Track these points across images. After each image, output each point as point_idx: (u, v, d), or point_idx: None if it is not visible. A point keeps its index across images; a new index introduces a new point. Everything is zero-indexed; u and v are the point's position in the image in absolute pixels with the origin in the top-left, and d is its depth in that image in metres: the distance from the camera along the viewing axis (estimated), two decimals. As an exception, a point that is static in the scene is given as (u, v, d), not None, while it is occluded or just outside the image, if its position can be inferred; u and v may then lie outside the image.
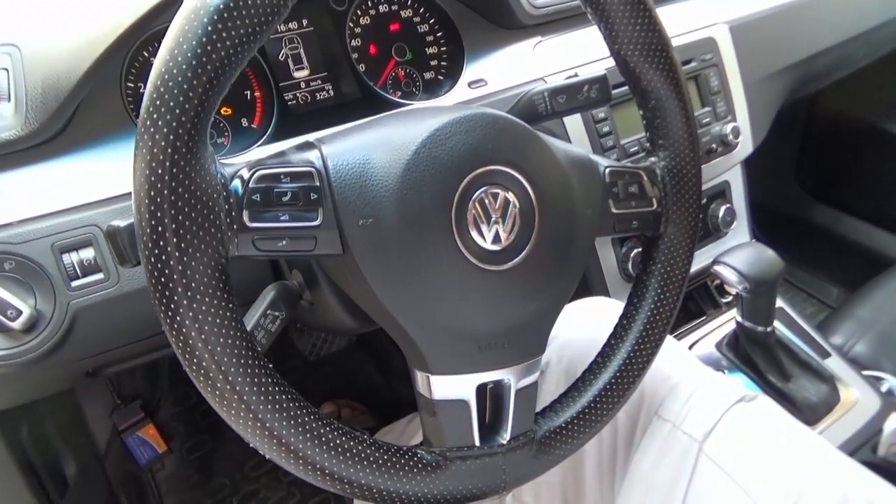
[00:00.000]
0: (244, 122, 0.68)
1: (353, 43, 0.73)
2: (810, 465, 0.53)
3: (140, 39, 0.62)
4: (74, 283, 0.55)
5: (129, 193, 0.57)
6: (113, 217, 0.56)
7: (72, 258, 0.55)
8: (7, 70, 0.56)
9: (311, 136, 0.46)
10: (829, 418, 0.79)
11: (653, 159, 0.54)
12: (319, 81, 0.71)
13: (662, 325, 0.54)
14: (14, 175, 0.56)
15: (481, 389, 0.46)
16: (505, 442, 0.46)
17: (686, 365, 0.63)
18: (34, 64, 0.55)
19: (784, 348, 0.82)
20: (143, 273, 0.56)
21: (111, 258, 0.56)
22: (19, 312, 0.52)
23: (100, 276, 0.56)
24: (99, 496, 1.05)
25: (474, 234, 0.43)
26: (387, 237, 0.42)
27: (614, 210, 0.52)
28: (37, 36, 0.57)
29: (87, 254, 0.55)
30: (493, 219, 0.44)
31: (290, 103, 0.69)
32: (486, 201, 0.44)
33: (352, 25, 0.73)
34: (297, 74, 0.70)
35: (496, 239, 0.44)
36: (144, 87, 0.63)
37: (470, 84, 0.74)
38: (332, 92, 0.72)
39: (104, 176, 0.58)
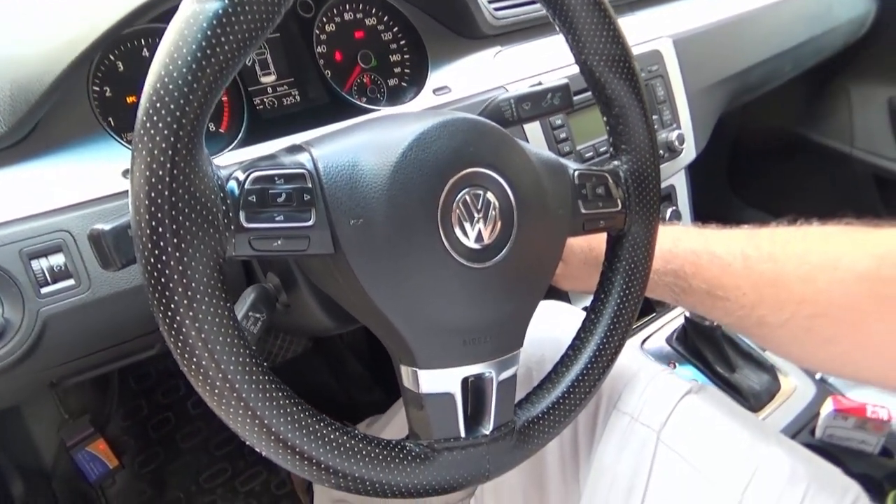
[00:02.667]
0: (211, 127, 0.68)
1: (320, 49, 0.74)
2: (759, 448, 0.57)
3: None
4: (44, 290, 0.54)
5: (100, 199, 0.57)
6: (83, 222, 0.55)
7: (41, 264, 0.54)
8: (-29, 72, 0.54)
9: (297, 140, 0.47)
10: (771, 405, 0.85)
11: (616, 163, 0.58)
12: (286, 87, 0.72)
13: (629, 316, 0.57)
14: (-20, 180, 0.54)
15: (465, 382, 0.48)
16: (488, 433, 0.48)
17: (638, 360, 0.67)
18: (2, 65, 0.54)
19: (729, 341, 0.87)
20: (117, 278, 0.56)
21: (82, 264, 0.55)
22: (-13, 321, 0.50)
23: (70, 282, 0.55)
24: (47, 516, 1.01)
25: (458, 233, 0.45)
26: (377, 237, 0.43)
27: (583, 210, 0.54)
28: (3, 39, 0.56)
29: (58, 259, 0.54)
30: (475, 218, 0.46)
31: (258, 108, 0.70)
32: (469, 201, 0.46)
33: (318, 32, 0.74)
34: (263, 80, 0.71)
35: (479, 238, 0.46)
36: (111, 91, 0.63)
37: (434, 91, 0.77)
38: (298, 97, 0.73)
39: (73, 180, 0.57)
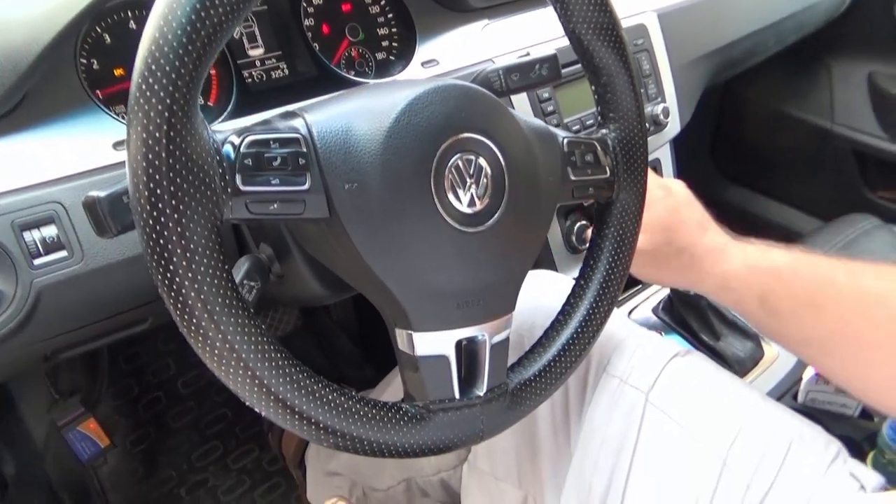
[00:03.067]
0: (200, 101, 0.68)
1: (307, 22, 0.74)
2: (744, 408, 0.59)
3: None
4: (37, 262, 0.54)
5: (91, 170, 0.57)
6: (75, 193, 0.55)
7: (33, 236, 0.54)
8: (-45, 41, 0.54)
9: (291, 106, 0.47)
10: (755, 371, 0.87)
11: (604, 131, 0.58)
12: (274, 60, 0.72)
13: (618, 282, 0.58)
14: (-31, 152, 0.54)
15: (459, 345, 0.49)
16: (482, 394, 0.49)
17: (626, 326, 0.68)
18: (-12, 35, 0.54)
19: (714, 310, 0.89)
20: (110, 249, 0.57)
21: (74, 235, 0.55)
22: (-20, 293, 0.51)
23: (63, 253, 0.55)
24: (40, 496, 1.01)
25: (451, 197, 0.46)
26: (372, 201, 0.44)
27: (573, 177, 0.55)
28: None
29: (50, 231, 0.54)
30: (468, 183, 0.47)
31: (246, 81, 0.69)
32: (461, 166, 0.46)
33: (305, 5, 0.74)
34: (252, 53, 0.71)
35: (471, 202, 0.47)
36: (98, 64, 0.63)
37: (423, 64, 0.77)
38: (286, 70, 0.73)
39: (64, 152, 0.57)
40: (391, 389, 0.82)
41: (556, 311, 0.58)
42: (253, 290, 0.53)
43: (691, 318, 0.88)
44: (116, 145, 0.59)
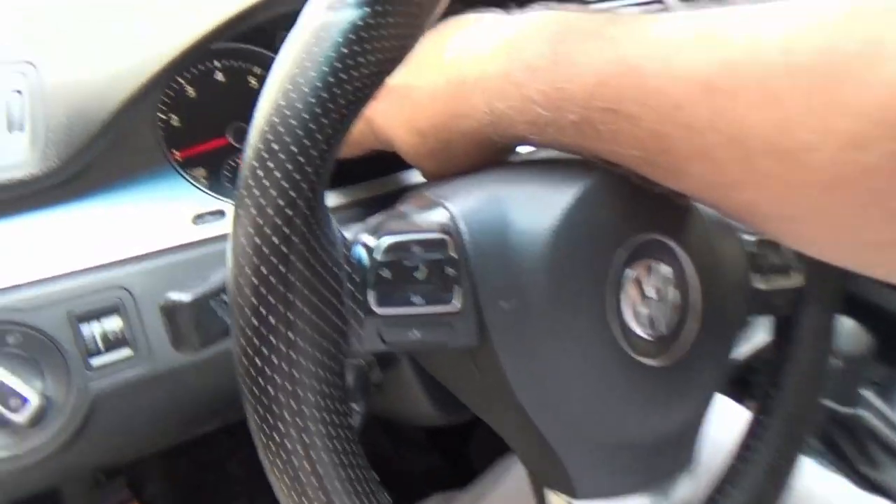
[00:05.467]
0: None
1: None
2: None
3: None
4: (95, 362, 0.44)
5: (167, 250, 0.48)
6: (145, 279, 0.46)
7: (92, 329, 0.44)
8: (20, 92, 0.46)
9: (425, 191, 0.37)
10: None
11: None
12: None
13: (811, 419, 0.46)
14: (24, 223, 0.45)
15: (628, 512, 0.37)
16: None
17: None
18: (57, 87, 0.45)
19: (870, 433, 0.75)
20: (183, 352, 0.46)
21: (141, 329, 0.45)
22: (24, 401, 0.40)
23: (127, 351, 0.45)
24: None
25: (629, 318, 0.34)
26: (534, 324, 0.32)
27: (761, 286, 0.43)
28: (60, 55, 0.47)
29: (113, 324, 0.44)
30: (650, 300, 0.35)
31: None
32: (642, 278, 0.35)
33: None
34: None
35: (652, 324, 0.35)
36: (178, 120, 0.54)
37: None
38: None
39: (134, 227, 0.47)
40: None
41: (723, 446, 0.45)
42: (357, 415, 0.42)
43: (843, 440, 0.74)
44: (196, 219, 0.50)
